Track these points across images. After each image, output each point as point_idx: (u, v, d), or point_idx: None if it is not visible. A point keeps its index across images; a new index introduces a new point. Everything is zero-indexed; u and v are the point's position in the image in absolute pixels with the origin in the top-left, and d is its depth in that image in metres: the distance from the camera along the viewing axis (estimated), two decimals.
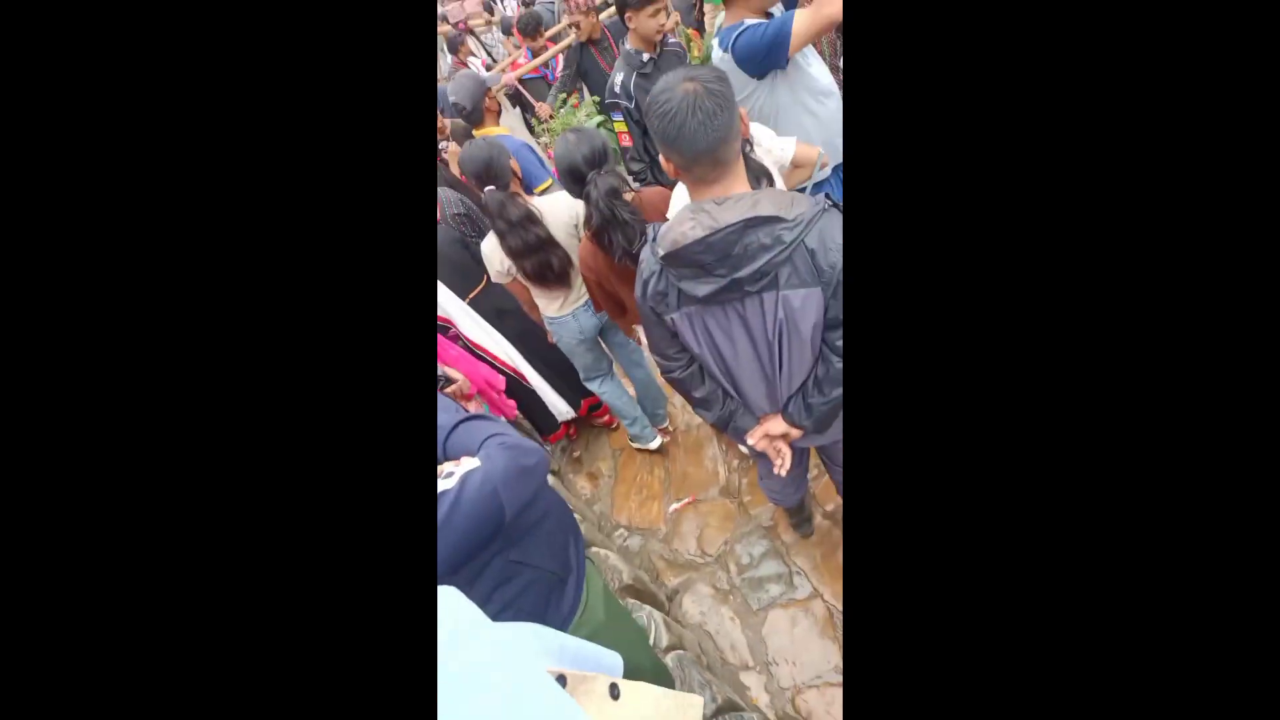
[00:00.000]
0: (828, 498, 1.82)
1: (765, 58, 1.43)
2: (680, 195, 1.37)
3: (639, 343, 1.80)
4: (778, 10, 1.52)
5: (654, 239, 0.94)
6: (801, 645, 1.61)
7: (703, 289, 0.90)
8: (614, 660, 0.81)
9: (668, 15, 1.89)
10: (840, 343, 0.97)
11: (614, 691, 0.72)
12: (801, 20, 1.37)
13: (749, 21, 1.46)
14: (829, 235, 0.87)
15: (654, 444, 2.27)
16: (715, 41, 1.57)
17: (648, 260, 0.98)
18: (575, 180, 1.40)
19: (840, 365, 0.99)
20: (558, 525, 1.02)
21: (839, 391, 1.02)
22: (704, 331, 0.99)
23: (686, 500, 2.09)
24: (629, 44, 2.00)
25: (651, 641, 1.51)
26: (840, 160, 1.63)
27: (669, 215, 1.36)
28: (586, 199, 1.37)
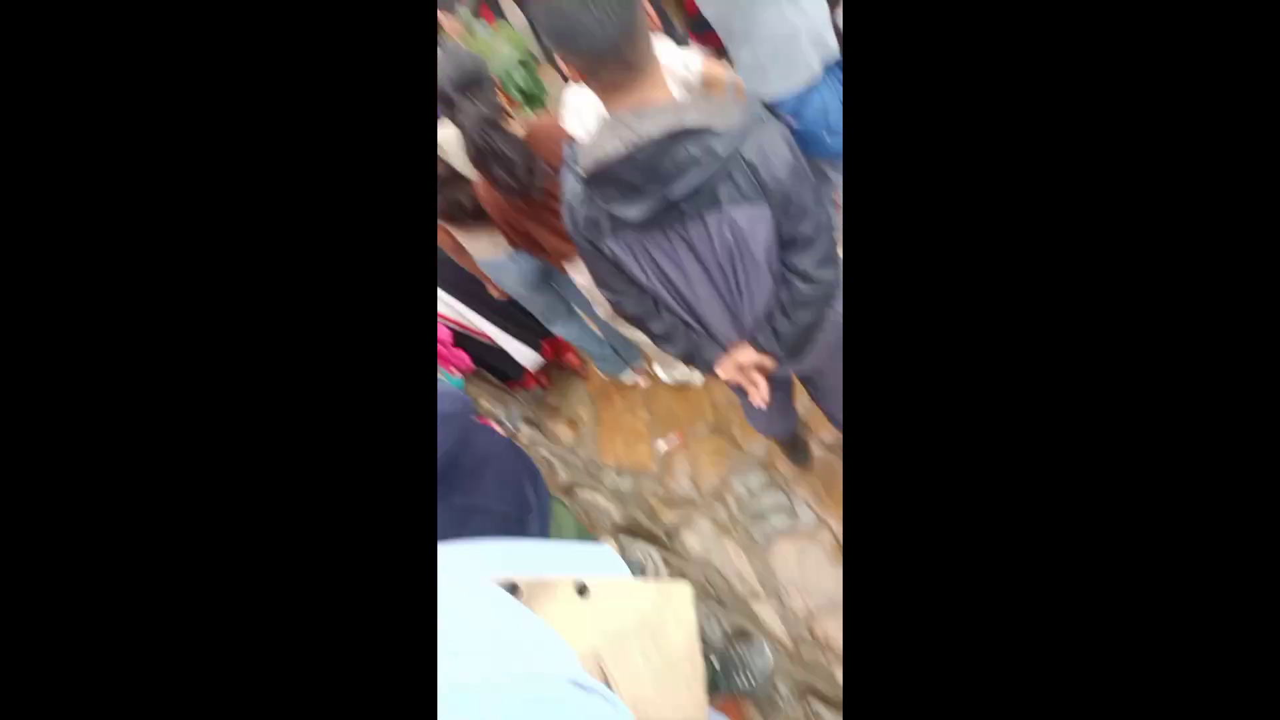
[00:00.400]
0: (823, 427, 1.70)
1: None
2: (574, 103, 1.24)
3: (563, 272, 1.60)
4: None
5: (574, 160, 0.82)
6: (812, 575, 1.55)
7: (635, 211, 0.80)
8: (604, 550, 0.79)
9: None
10: (802, 264, 0.89)
11: (582, 590, 0.69)
12: None
13: None
14: (770, 147, 0.79)
15: (624, 374, 2.17)
16: None
17: (570, 186, 0.86)
18: (445, 104, 1.23)
19: (806, 289, 0.91)
20: (507, 469, 0.99)
21: (807, 315, 0.95)
22: (649, 262, 0.90)
23: (674, 438, 1.98)
24: None
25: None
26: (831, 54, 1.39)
27: (566, 129, 1.25)
28: (460, 128, 1.23)
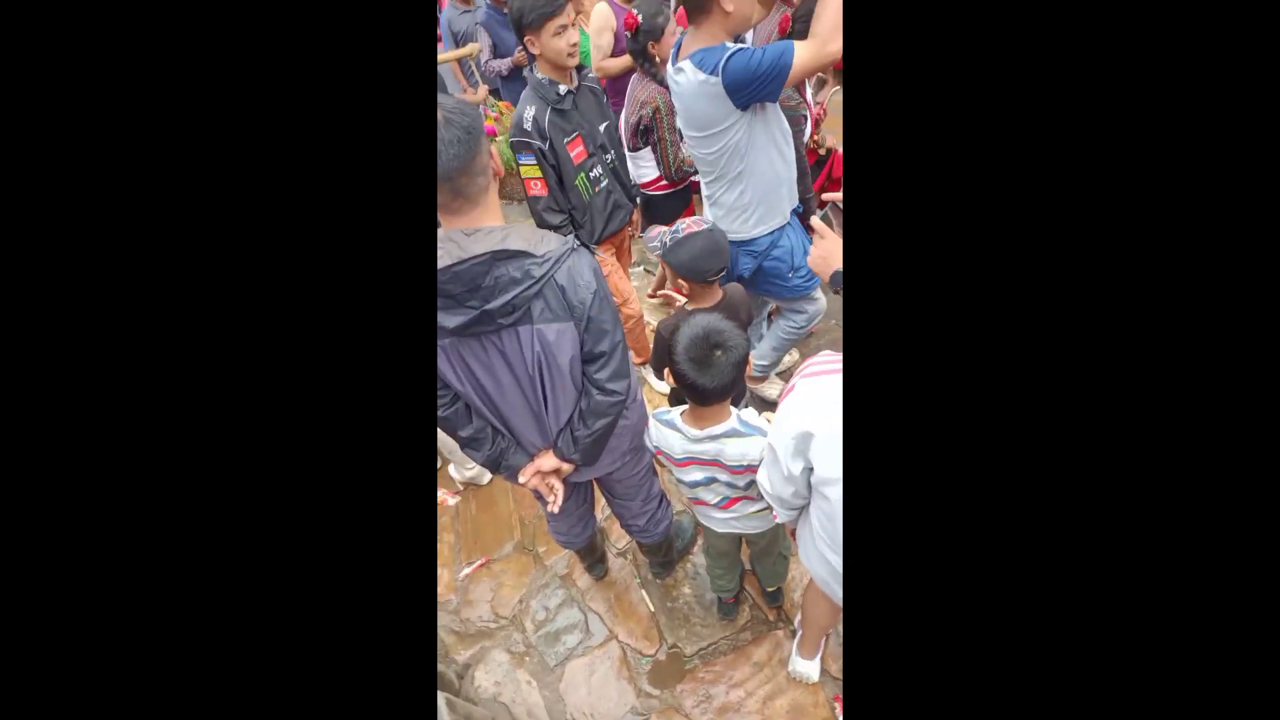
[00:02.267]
0: (618, 535, 1.86)
1: (760, 87, 1.31)
2: None
3: None
4: (747, 38, 1.44)
5: None
6: (599, 693, 1.56)
7: (454, 320, 0.89)
8: None
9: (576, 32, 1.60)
10: (600, 376, 1.01)
11: None
12: (804, 51, 1.26)
13: (732, 46, 1.32)
14: (577, 273, 0.92)
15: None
16: (686, 64, 1.37)
17: None
18: None
19: (601, 399, 1.02)
20: None
21: (602, 423, 1.06)
22: (463, 366, 0.98)
23: (479, 563, 1.94)
24: (538, 72, 1.66)
25: None
26: (796, 203, 1.65)
27: None
28: None
